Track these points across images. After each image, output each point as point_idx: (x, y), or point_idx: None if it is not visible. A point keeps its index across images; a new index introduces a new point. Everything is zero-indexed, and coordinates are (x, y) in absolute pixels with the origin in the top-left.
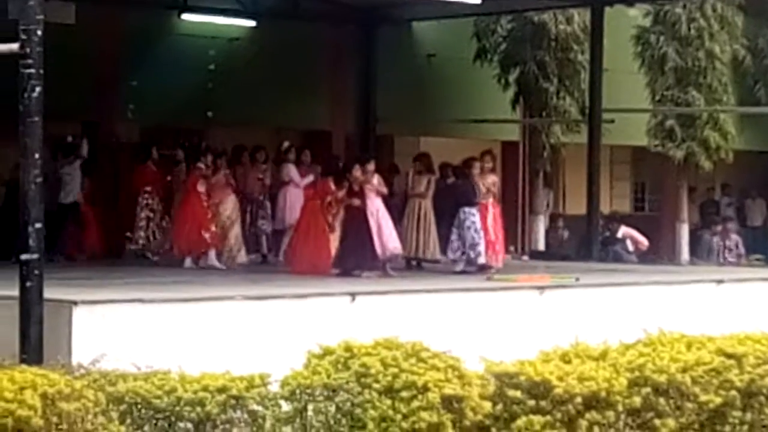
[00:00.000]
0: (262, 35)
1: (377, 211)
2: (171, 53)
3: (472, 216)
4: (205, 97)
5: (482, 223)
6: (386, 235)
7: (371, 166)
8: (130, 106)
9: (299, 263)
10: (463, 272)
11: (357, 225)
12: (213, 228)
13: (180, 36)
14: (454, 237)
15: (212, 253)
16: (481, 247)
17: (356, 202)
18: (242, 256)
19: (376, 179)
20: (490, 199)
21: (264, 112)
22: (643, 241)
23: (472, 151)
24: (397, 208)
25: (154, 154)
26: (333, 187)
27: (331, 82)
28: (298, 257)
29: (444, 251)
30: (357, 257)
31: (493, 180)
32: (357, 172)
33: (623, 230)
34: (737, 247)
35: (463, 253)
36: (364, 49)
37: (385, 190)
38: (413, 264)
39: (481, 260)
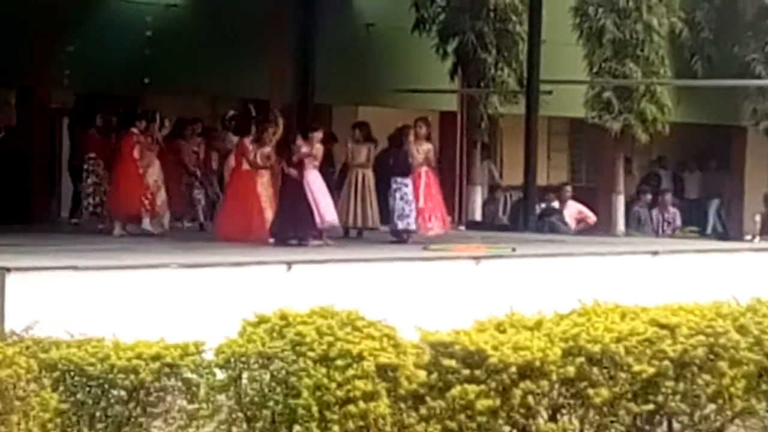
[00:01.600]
0: (199, 2)
1: (314, 182)
2: (108, 19)
3: (404, 186)
4: (142, 63)
5: (415, 191)
6: (323, 207)
7: (318, 135)
8: (65, 72)
9: (228, 229)
10: (397, 241)
11: (295, 195)
12: (147, 193)
13: (117, 2)
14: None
15: (146, 219)
16: (411, 218)
17: (293, 173)
18: (166, 222)
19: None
20: (425, 167)
21: (201, 80)
22: (591, 216)
23: (410, 120)
24: (333, 177)
25: (97, 121)
26: (249, 146)
27: (270, 51)
28: (228, 223)
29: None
30: (295, 227)
31: (427, 147)
32: (300, 142)
33: (571, 205)
34: (674, 220)
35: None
36: (302, 17)
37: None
38: (354, 233)
39: (412, 227)
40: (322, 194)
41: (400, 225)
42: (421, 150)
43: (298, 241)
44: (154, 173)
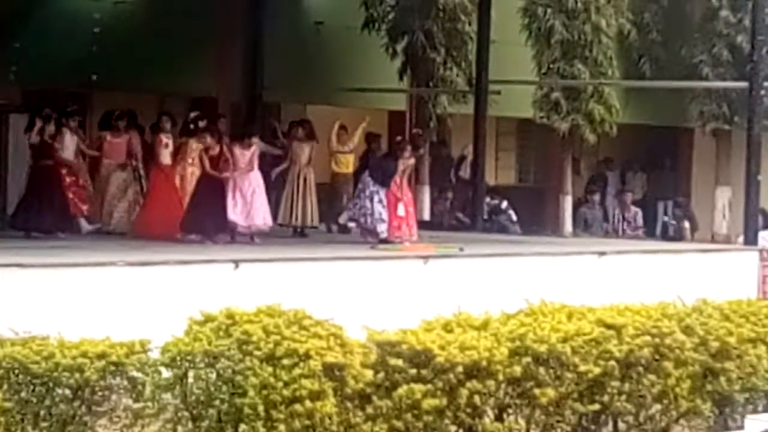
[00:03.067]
0: None
1: (250, 184)
2: (55, 15)
3: (381, 193)
4: (90, 60)
5: (394, 201)
6: (255, 208)
7: (254, 140)
8: (12, 68)
9: (149, 226)
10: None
11: (212, 192)
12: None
13: None
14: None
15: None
16: (385, 225)
17: (226, 175)
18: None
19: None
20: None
21: (149, 77)
22: None
23: (358, 119)
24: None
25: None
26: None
27: (218, 48)
28: (147, 220)
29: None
30: (206, 223)
31: (412, 162)
32: (236, 149)
33: None
34: (635, 219)
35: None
36: (251, 15)
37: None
38: (297, 232)
39: (383, 235)
40: (258, 196)
41: (379, 228)
42: (407, 164)
43: (201, 237)
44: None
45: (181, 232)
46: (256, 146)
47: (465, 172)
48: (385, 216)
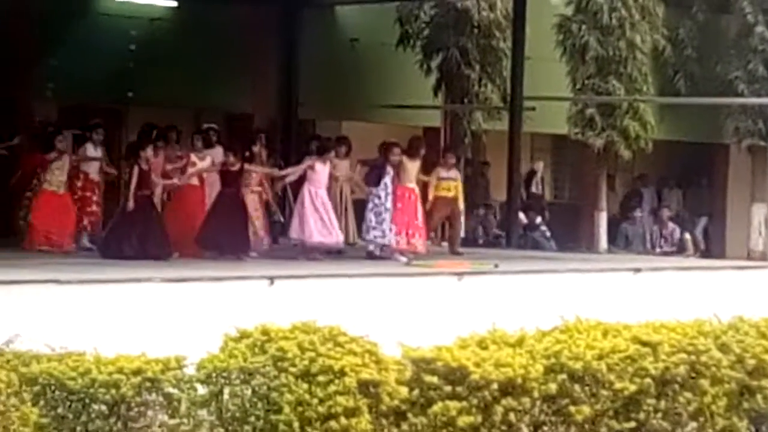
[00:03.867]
0: (184, 16)
1: (324, 200)
2: (92, 32)
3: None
4: (126, 76)
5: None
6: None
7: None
8: (49, 84)
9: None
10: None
11: (234, 208)
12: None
13: (101, 15)
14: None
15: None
16: (377, 232)
17: (257, 189)
18: None
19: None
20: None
21: (185, 94)
22: None
23: (394, 136)
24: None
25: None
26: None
27: (254, 65)
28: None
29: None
30: (228, 240)
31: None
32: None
33: None
34: (672, 235)
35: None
36: (287, 32)
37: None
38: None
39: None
40: (331, 213)
41: (369, 236)
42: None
43: (220, 252)
44: None
45: (199, 248)
46: (330, 162)
47: (537, 188)
48: (375, 222)
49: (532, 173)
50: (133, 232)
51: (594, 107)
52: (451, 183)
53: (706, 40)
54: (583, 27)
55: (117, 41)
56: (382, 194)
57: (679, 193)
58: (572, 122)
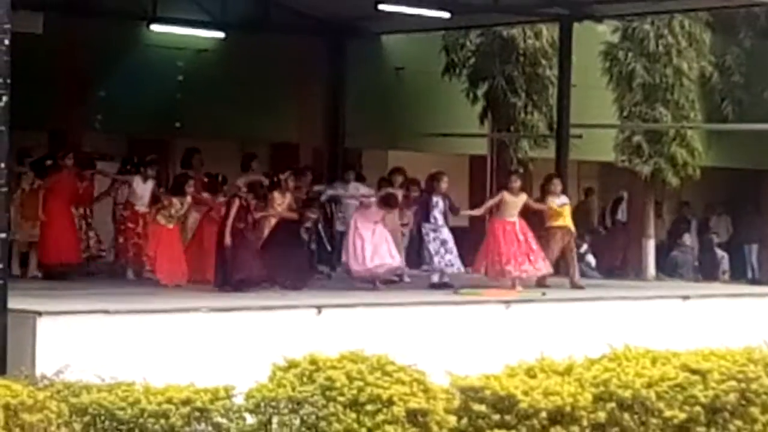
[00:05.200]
0: (230, 47)
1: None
2: (139, 64)
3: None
4: (174, 107)
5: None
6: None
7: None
8: (97, 116)
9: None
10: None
11: (292, 237)
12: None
13: (149, 47)
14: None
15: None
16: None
17: (313, 216)
18: None
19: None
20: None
21: (232, 124)
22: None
23: (440, 164)
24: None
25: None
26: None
27: (300, 95)
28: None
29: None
30: (290, 270)
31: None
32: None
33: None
34: (722, 263)
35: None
36: (332, 62)
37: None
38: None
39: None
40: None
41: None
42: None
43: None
44: None
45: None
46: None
47: (622, 215)
48: (444, 251)
49: (618, 201)
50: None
51: (641, 134)
52: (565, 209)
53: (754, 66)
54: (630, 54)
55: (164, 72)
56: (434, 228)
57: (728, 219)
58: (619, 149)
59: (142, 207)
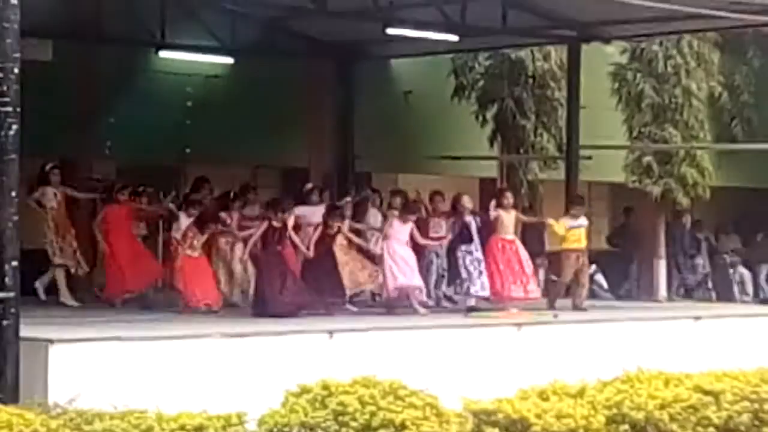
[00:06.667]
0: (239, 72)
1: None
2: (148, 90)
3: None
4: (183, 134)
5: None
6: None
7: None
8: (107, 142)
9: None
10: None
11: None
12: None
13: (157, 73)
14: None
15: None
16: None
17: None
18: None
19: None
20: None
21: (242, 149)
22: None
23: (450, 187)
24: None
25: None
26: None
27: (309, 119)
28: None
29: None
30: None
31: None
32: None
33: None
34: (742, 283)
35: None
36: (341, 85)
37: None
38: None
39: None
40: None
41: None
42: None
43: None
44: None
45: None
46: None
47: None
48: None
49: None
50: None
51: (651, 155)
52: (580, 232)
53: (763, 86)
54: (638, 75)
55: (173, 98)
56: (473, 248)
57: (737, 239)
58: (629, 170)
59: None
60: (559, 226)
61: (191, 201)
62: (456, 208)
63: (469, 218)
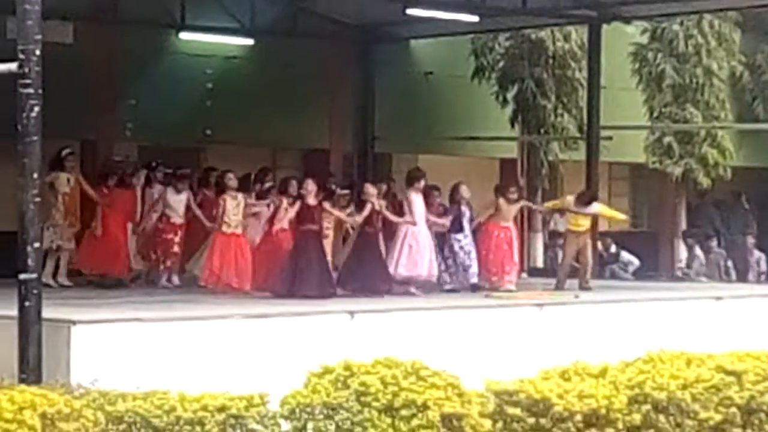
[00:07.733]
0: (259, 53)
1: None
2: (169, 72)
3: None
4: (203, 115)
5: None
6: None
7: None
8: (128, 124)
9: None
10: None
11: (371, 247)
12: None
13: (178, 54)
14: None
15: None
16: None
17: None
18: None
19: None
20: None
21: (262, 131)
22: None
23: (470, 168)
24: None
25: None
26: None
27: (329, 101)
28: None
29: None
30: (367, 279)
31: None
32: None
33: None
34: (758, 264)
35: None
36: (361, 67)
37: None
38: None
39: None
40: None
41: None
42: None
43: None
44: None
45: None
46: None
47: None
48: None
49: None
50: (302, 267)
51: (671, 135)
52: (580, 218)
53: None
54: (659, 55)
55: (194, 80)
56: (462, 237)
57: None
58: (650, 151)
59: (178, 219)
60: (565, 201)
61: (180, 176)
62: (453, 197)
63: (464, 208)
